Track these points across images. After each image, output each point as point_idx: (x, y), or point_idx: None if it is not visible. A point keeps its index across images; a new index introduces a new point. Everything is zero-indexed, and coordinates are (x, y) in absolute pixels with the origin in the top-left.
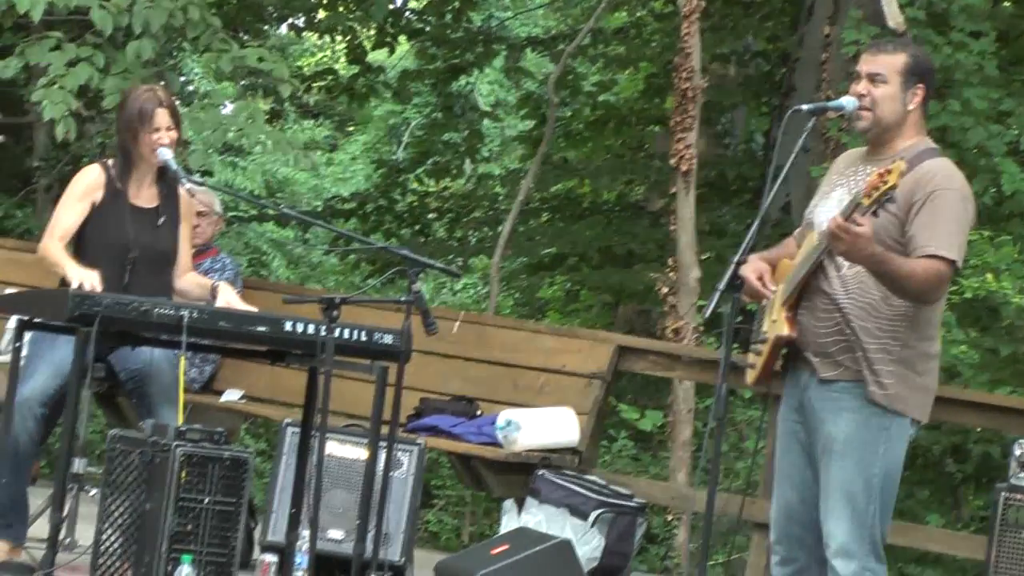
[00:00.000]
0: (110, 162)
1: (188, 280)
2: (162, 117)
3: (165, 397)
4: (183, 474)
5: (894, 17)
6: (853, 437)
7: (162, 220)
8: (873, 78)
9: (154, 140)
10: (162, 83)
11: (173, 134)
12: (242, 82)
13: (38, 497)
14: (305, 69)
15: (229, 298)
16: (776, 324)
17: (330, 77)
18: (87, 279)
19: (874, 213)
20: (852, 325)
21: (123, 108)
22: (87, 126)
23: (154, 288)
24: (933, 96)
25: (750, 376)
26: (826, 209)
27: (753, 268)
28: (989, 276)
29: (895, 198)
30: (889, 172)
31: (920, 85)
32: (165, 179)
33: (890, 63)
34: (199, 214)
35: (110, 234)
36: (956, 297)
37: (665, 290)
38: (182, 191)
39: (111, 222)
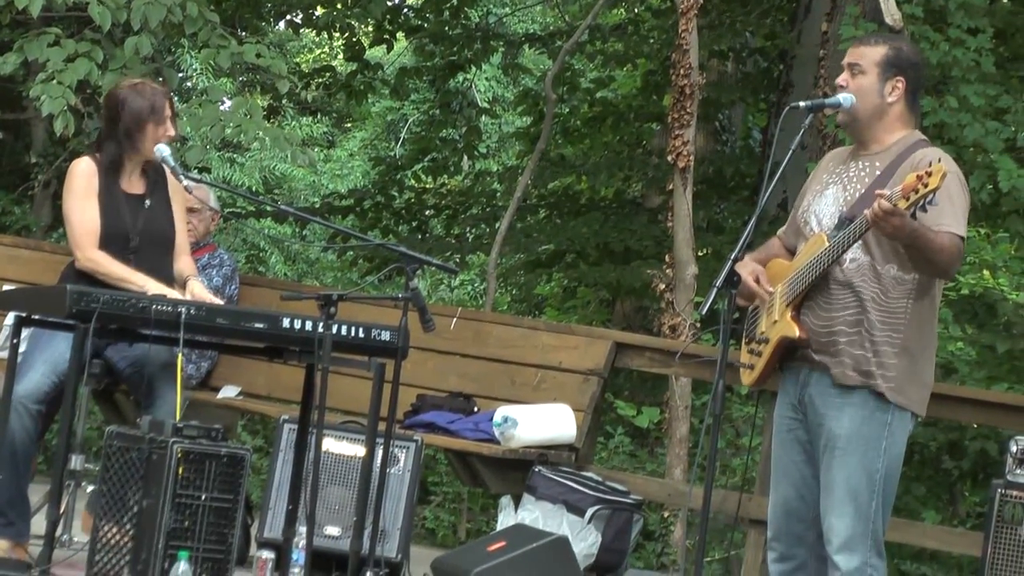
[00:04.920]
0: (98, 154)
1: (179, 266)
2: (169, 108)
3: (165, 378)
4: (180, 470)
5: (891, 13)
6: (856, 433)
7: (148, 204)
8: (852, 69)
9: (160, 133)
10: (160, 79)
11: (172, 127)
12: (240, 78)
13: (35, 494)
14: (303, 66)
15: (195, 290)
16: (780, 325)
17: (328, 74)
18: (169, 293)
19: (912, 216)
20: (855, 319)
21: (125, 103)
22: (85, 122)
23: (158, 274)
24: (929, 92)
25: (748, 377)
26: (823, 207)
27: (749, 270)
28: (986, 273)
29: (936, 200)
30: (929, 175)
31: (900, 77)
32: (151, 165)
33: (869, 54)
34: (191, 210)
35: (109, 225)
36: (953, 294)
37: (662, 287)
38: (169, 173)
39: (109, 213)
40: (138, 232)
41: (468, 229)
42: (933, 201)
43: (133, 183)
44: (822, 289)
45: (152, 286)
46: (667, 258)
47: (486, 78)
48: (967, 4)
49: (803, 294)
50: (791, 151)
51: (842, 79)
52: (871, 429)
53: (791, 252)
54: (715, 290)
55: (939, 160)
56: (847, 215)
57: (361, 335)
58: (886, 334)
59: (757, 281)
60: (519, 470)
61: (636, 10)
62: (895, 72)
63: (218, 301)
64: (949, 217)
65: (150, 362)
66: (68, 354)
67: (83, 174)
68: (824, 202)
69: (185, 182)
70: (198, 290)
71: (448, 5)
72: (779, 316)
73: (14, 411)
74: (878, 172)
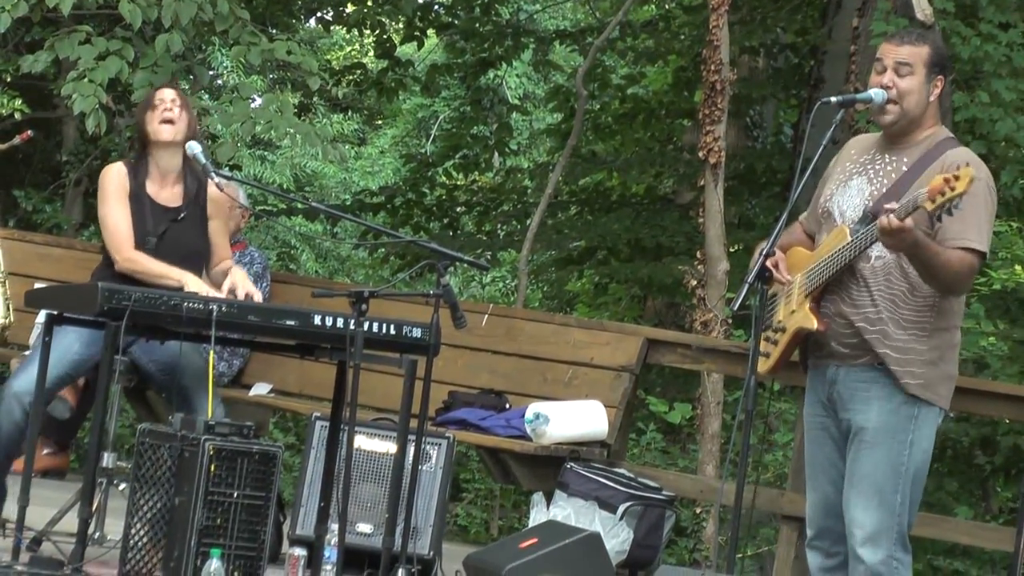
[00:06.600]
0: (133, 159)
1: (218, 270)
2: (165, 92)
3: (200, 385)
4: (212, 468)
5: (922, 8)
6: (882, 426)
7: (182, 216)
8: (899, 69)
9: (156, 116)
10: (191, 77)
11: (178, 112)
12: (271, 75)
13: (67, 491)
14: (334, 63)
15: (236, 279)
16: (798, 316)
17: (359, 71)
18: (203, 289)
19: (938, 218)
20: (881, 315)
21: None
22: (116, 120)
23: None
24: (960, 87)
25: (763, 365)
26: (846, 199)
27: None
28: (1018, 268)
29: (959, 204)
30: (957, 179)
31: (941, 76)
32: (191, 178)
33: (917, 54)
34: None
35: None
36: (985, 289)
37: (694, 283)
38: (211, 188)
39: (132, 217)
40: (156, 237)
41: (499, 226)
42: (959, 205)
43: (166, 193)
44: (847, 283)
45: (190, 279)
46: (698, 254)
47: (517, 75)
48: None
49: (822, 286)
50: (822, 146)
51: (888, 80)
52: (897, 422)
53: (811, 238)
54: (746, 286)
55: (967, 164)
56: (872, 209)
57: (392, 332)
58: (911, 331)
59: (776, 267)
60: (551, 467)
61: (667, 6)
62: (938, 71)
63: (258, 294)
64: (974, 231)
65: (184, 372)
66: (75, 347)
67: (113, 179)
68: (848, 193)
69: (216, 179)
70: (239, 277)
71: (479, 2)
72: (797, 306)
73: (6, 403)
74: (905, 168)
